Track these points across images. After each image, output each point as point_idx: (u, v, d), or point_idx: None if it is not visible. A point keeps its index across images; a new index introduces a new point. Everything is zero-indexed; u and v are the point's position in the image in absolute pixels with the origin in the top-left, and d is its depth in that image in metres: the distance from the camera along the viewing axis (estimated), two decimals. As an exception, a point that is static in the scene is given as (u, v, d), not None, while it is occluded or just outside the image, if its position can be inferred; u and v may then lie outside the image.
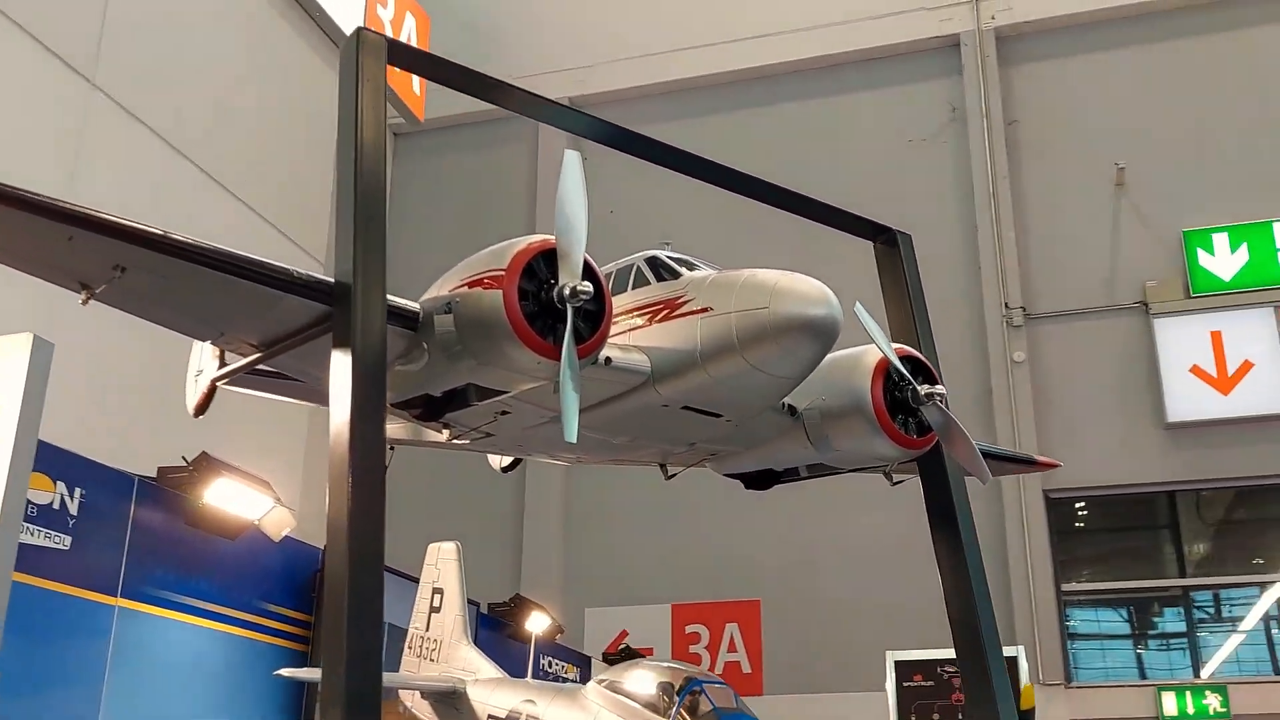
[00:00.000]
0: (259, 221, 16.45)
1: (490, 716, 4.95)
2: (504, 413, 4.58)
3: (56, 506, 6.45)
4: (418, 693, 5.93)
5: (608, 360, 4.32)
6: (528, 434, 4.96)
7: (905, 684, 11.26)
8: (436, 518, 15.80)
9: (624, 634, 16.94)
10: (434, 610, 5.68)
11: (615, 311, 4.61)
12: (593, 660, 12.98)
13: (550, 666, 11.80)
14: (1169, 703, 16.16)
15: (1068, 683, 16.49)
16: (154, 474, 7.56)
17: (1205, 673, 16.70)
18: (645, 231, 18.56)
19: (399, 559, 12.62)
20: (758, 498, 17.25)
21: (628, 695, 4.54)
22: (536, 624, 10.84)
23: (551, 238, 4.07)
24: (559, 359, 3.83)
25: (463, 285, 4.04)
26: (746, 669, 16.78)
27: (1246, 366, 16.65)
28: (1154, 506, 18.03)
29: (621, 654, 13.80)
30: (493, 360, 3.98)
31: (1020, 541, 16.86)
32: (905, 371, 4.66)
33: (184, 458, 7.43)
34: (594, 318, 4.06)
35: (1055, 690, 16.11)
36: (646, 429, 4.94)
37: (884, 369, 4.68)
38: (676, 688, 4.66)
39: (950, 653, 11.78)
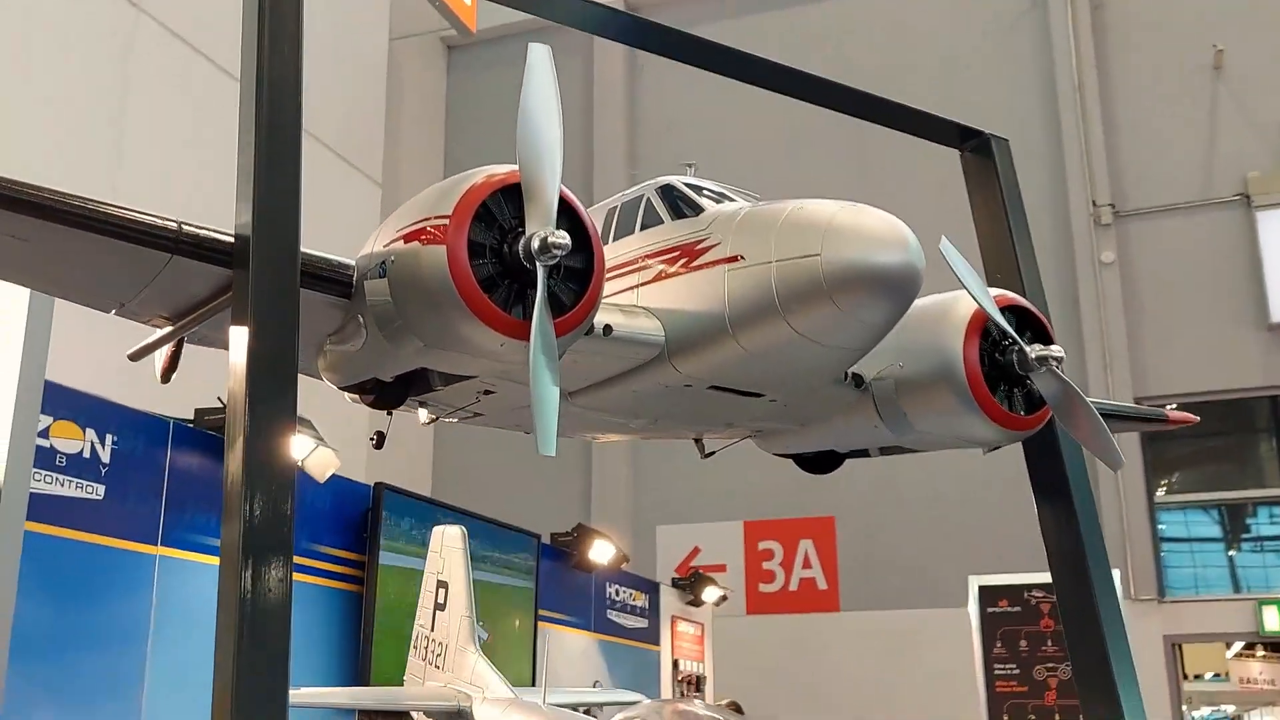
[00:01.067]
0: (311, 143, 16.03)
1: None
2: (487, 392, 3.64)
3: (87, 455, 6.16)
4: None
5: (606, 329, 3.31)
6: (526, 413, 4.04)
7: (990, 609, 10.72)
8: (496, 447, 15.44)
9: (695, 551, 16.62)
10: (439, 607, 5.07)
11: (619, 261, 3.72)
12: (661, 585, 12.62)
13: (617, 595, 11.47)
14: (1270, 617, 15.44)
15: (1161, 597, 15.84)
16: (190, 417, 7.25)
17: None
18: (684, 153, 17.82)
19: (471, 498, 12.31)
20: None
21: None
22: (601, 553, 10.49)
23: (515, 168, 3.01)
24: (526, 336, 2.84)
25: (398, 238, 3.01)
26: (822, 585, 16.35)
27: (1358, 261, 15.54)
28: (1254, 412, 17.11)
29: (691, 577, 13.44)
30: (442, 341, 3.02)
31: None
32: (1009, 329, 3.45)
33: (219, 399, 7.08)
34: (578, 277, 3.06)
35: (1148, 605, 15.48)
36: (668, 411, 3.95)
37: (980, 324, 3.48)
38: None
39: (1036, 576, 11.31)
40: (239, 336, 2.72)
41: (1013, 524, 12.96)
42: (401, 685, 5.55)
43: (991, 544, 14.00)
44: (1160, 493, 16.88)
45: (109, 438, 6.23)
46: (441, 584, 5.13)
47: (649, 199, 3.82)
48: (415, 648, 5.26)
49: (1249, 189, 16.10)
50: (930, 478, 16.39)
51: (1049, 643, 10.35)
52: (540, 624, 9.34)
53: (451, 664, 4.85)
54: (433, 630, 5.10)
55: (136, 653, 6.31)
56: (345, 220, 18.73)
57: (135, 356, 3.89)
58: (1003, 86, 17.44)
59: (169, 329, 3.44)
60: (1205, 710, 26.58)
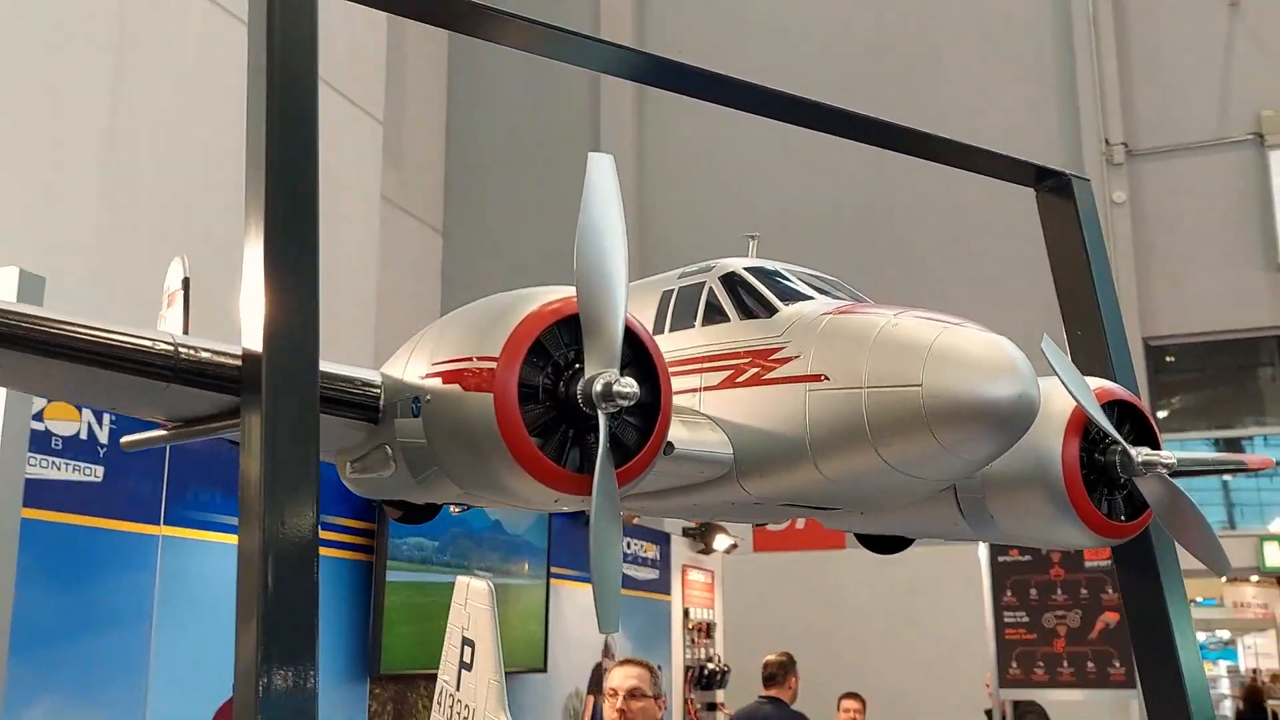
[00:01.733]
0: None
1: None
2: None
3: (84, 436, 6.04)
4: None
5: (668, 446, 2.91)
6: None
7: (1000, 558, 10.78)
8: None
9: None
10: (464, 666, 4.74)
11: (680, 357, 3.33)
12: (671, 536, 12.68)
13: (629, 548, 11.52)
14: (1271, 552, 15.58)
15: (1164, 536, 15.94)
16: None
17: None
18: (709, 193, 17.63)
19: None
20: (849, 237, 16.74)
21: None
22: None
23: (572, 294, 2.61)
24: (587, 491, 2.50)
25: (436, 374, 2.63)
26: (829, 526, 16.50)
27: (1369, 201, 15.40)
28: (1259, 353, 17.10)
29: (702, 526, 13.49)
30: (486, 489, 2.68)
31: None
32: (1114, 431, 3.12)
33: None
34: (643, 412, 2.67)
35: (1151, 544, 15.60)
36: (734, 514, 3.58)
37: (1081, 423, 3.14)
38: None
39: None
40: (250, 461, 2.38)
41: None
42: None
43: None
44: (1166, 435, 16.90)
45: (106, 418, 6.15)
46: (468, 641, 4.70)
47: (711, 288, 3.43)
48: (439, 705, 4.82)
49: (1263, 128, 15.88)
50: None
51: (1059, 591, 10.42)
52: (552, 581, 9.40)
53: None
54: (458, 690, 4.68)
55: (141, 634, 6.25)
56: (348, 159, 18.48)
57: (129, 447, 3.42)
58: (1013, 17, 17.11)
59: (172, 431, 2.98)
60: (1200, 636, 27.00)
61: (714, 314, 3.39)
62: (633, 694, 5.40)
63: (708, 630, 12.72)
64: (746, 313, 3.30)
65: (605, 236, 2.62)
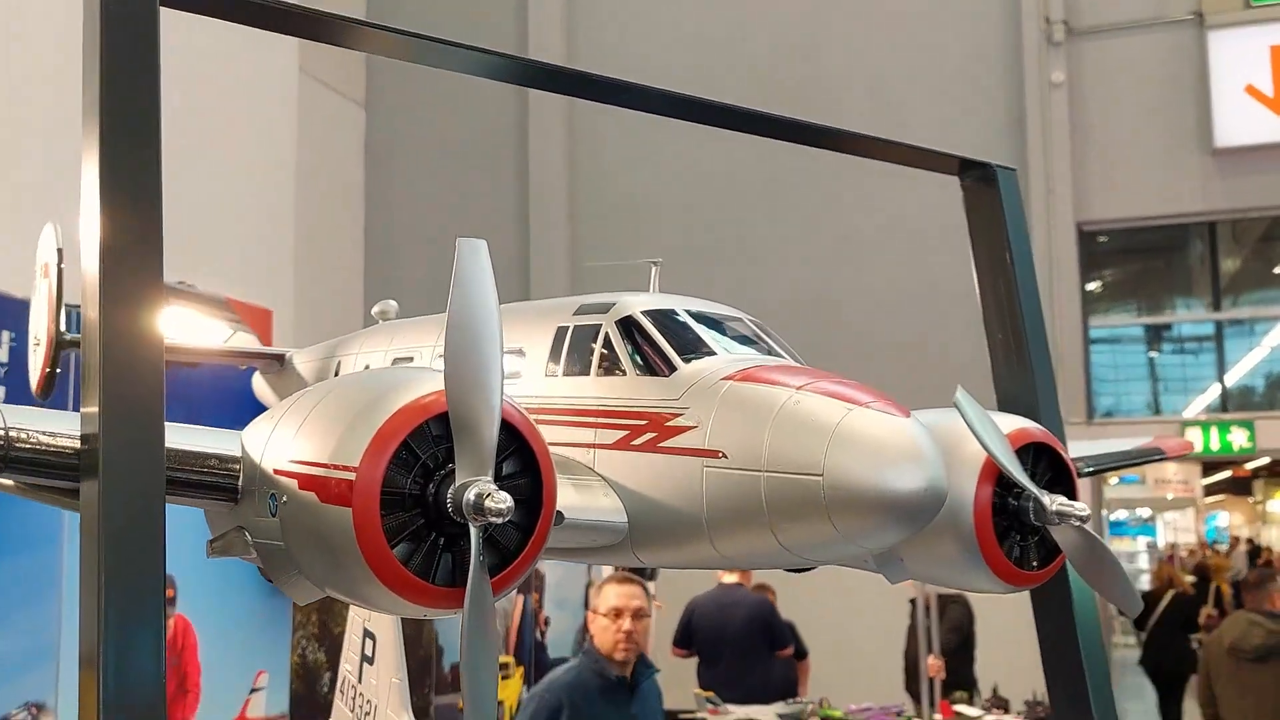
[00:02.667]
0: (295, 71, 14.93)
1: None
2: None
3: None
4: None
5: (558, 517, 2.66)
6: None
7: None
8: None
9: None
10: (366, 660, 4.52)
11: (574, 407, 3.06)
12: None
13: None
14: (1193, 438, 15.90)
15: (1089, 420, 16.20)
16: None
17: (1232, 407, 16.40)
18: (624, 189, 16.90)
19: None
20: (771, 239, 16.62)
21: None
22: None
23: (439, 389, 2.34)
24: (459, 604, 2.29)
25: (293, 472, 2.36)
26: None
27: (1306, 84, 15.31)
28: (1189, 236, 17.19)
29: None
30: (351, 599, 2.47)
31: (1047, 277, 16.06)
32: (1028, 483, 2.96)
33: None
34: (523, 509, 2.41)
35: (1077, 428, 15.82)
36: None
37: (994, 470, 2.98)
38: None
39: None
40: (89, 556, 2.18)
41: (955, 353, 13.03)
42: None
43: (933, 366, 14.02)
44: (1095, 321, 17.05)
45: (5, 334, 5.76)
46: (369, 634, 4.44)
47: (607, 333, 3.15)
48: (342, 692, 4.69)
49: (1203, 7, 15.64)
50: (870, 300, 16.34)
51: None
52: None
53: None
54: (360, 682, 4.45)
55: (51, 556, 6.02)
56: (333, 147, 17.66)
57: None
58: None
59: (16, 485, 2.65)
60: (1121, 513, 27.95)
61: (610, 363, 3.13)
62: (638, 614, 5.37)
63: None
64: (644, 367, 3.05)
65: (477, 330, 2.36)
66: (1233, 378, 16.97)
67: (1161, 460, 4.37)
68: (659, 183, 16.70)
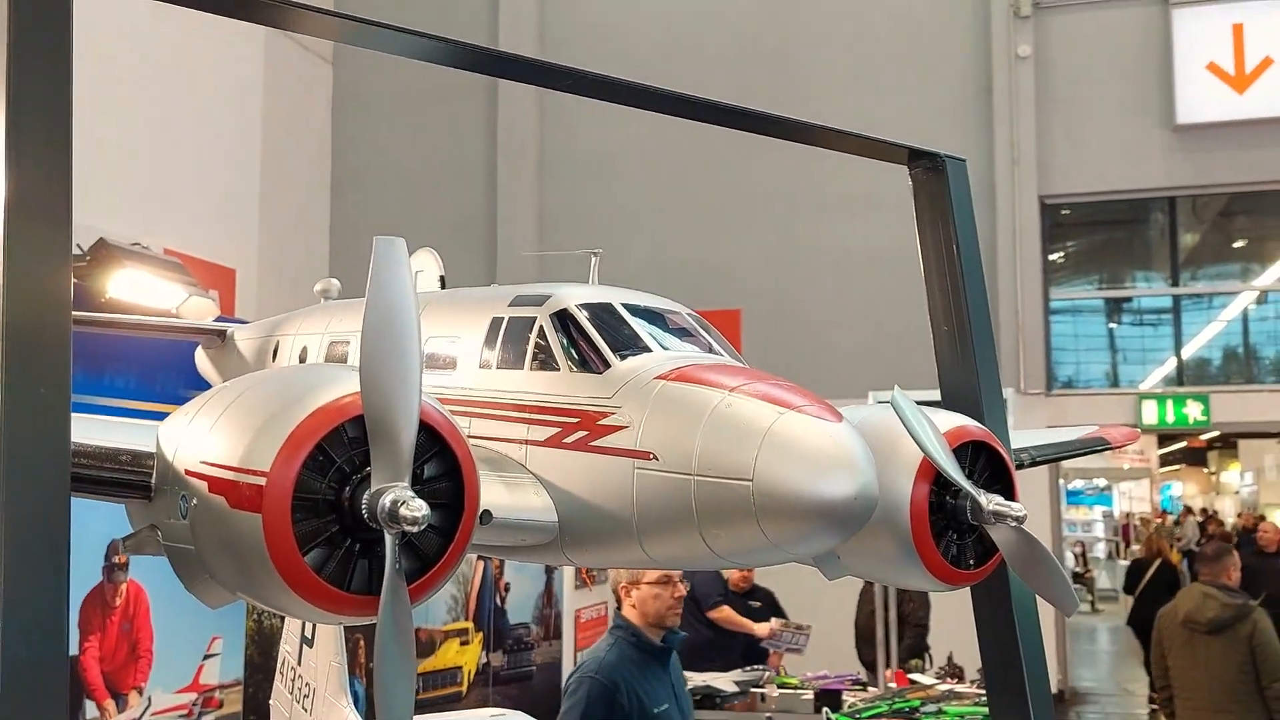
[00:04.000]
0: (261, 29, 14.54)
1: None
2: None
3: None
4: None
5: (485, 515, 2.65)
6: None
7: (888, 425, 10.90)
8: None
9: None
10: (306, 641, 4.46)
11: (506, 401, 3.01)
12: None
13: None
14: (1149, 411, 16.15)
15: (1048, 390, 16.39)
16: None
17: (1188, 380, 16.62)
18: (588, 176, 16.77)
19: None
20: (739, 205, 16.61)
21: None
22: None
23: (356, 390, 2.26)
24: (373, 611, 2.24)
25: (202, 474, 2.29)
26: (725, 379, 16.57)
27: (1266, 63, 15.42)
28: (1150, 210, 17.34)
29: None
30: (265, 606, 2.40)
31: (1011, 247, 16.19)
32: (965, 483, 2.95)
33: (79, 245, 6.51)
34: (443, 512, 2.37)
35: (1035, 399, 16.02)
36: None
37: (931, 469, 2.98)
38: None
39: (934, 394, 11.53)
40: None
41: (915, 327, 13.00)
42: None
43: (895, 337, 14.11)
44: (1056, 292, 17.20)
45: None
46: None
47: (542, 327, 3.09)
48: (282, 674, 4.60)
49: (1169, -18, 15.73)
50: (833, 269, 16.41)
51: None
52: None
53: (320, 714, 4.21)
54: (299, 664, 4.39)
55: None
56: (299, 103, 17.33)
57: None
58: None
59: None
60: (1078, 483, 28.35)
61: (544, 357, 3.07)
62: (680, 579, 5.47)
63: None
64: (578, 362, 2.99)
65: (394, 331, 2.28)
66: (1189, 350, 17.22)
67: (1106, 449, 4.42)
68: (629, 134, 16.61)
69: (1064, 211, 17.31)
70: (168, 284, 6.91)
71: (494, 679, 9.42)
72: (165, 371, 6.98)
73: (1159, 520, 25.68)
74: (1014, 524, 2.94)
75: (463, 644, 9.45)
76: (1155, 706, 13.83)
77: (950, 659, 10.08)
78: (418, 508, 2.21)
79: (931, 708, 7.67)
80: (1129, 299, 18.55)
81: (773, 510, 2.48)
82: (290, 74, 17.13)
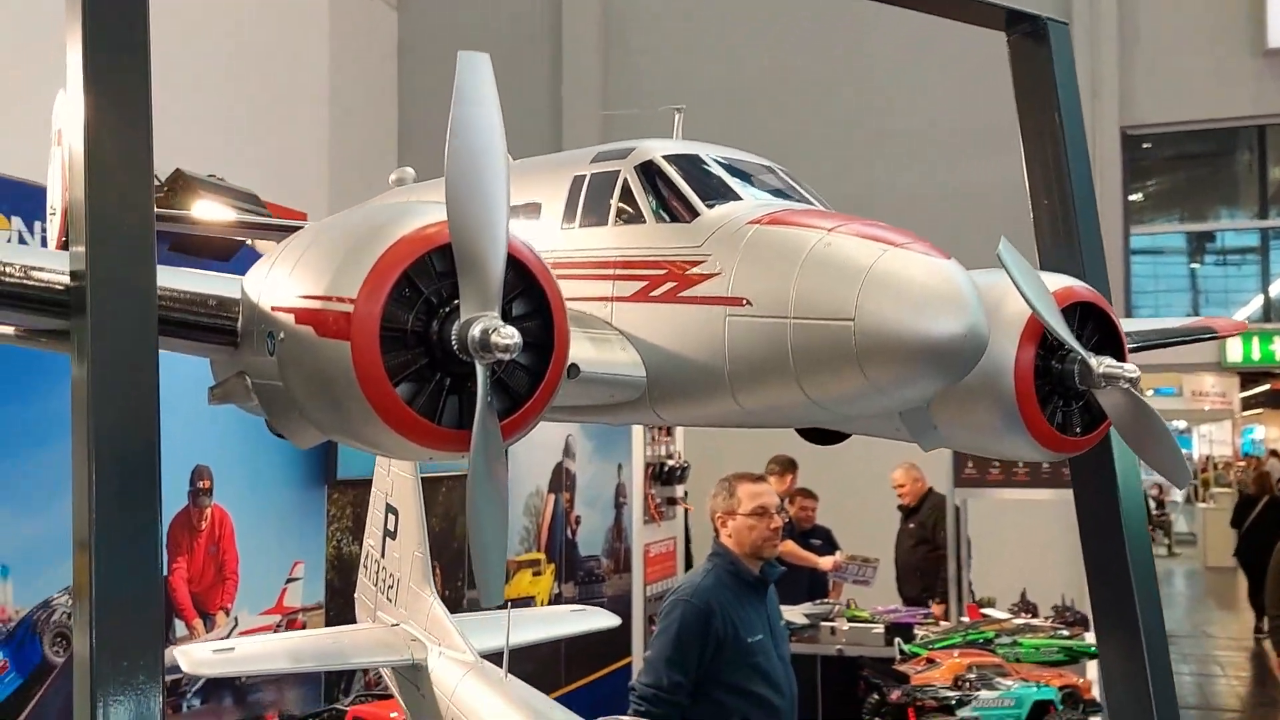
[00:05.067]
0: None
1: None
2: None
3: (15, 244, 5.73)
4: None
5: (573, 369, 2.57)
6: None
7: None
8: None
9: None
10: (389, 534, 4.49)
11: (589, 259, 2.91)
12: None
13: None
14: (1233, 349, 15.70)
15: (1127, 330, 15.98)
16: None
17: (1276, 319, 16.12)
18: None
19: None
20: (812, 83, 16.21)
21: None
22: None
23: (443, 219, 2.20)
24: (466, 447, 2.18)
25: (290, 307, 2.25)
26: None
27: (1366, -19, 14.74)
28: (1236, 140, 16.75)
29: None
30: (353, 441, 2.37)
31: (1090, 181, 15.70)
32: (1074, 342, 2.76)
33: (156, 178, 6.60)
34: (533, 351, 2.31)
35: (1114, 337, 15.62)
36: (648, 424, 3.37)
37: (1038, 330, 2.81)
38: None
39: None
40: (79, 402, 2.05)
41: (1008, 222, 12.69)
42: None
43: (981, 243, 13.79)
44: (1137, 229, 16.74)
45: (38, 226, 5.78)
46: (391, 509, 4.45)
47: (626, 179, 2.95)
48: (365, 567, 4.65)
49: (1260, -99, 15.03)
50: (919, 156, 16.09)
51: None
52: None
53: (405, 601, 4.30)
54: (383, 557, 4.49)
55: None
56: (365, 49, 17.36)
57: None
58: None
59: (17, 333, 2.63)
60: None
61: (629, 211, 2.96)
62: (777, 510, 5.54)
63: (668, 429, 12.76)
64: (665, 213, 2.88)
65: (480, 152, 2.20)
66: (1277, 289, 16.68)
67: (1213, 338, 4.18)
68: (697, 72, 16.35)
69: (1145, 145, 16.77)
70: (244, 216, 6.98)
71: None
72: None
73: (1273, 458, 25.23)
74: (1126, 385, 2.77)
75: (535, 575, 9.55)
76: (1261, 635, 15.03)
77: (1023, 595, 9.96)
78: (509, 334, 2.15)
79: (1006, 640, 7.58)
80: (1212, 237, 18.01)
81: (875, 351, 2.35)
82: (355, 20, 17.16)
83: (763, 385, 2.55)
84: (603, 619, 5.15)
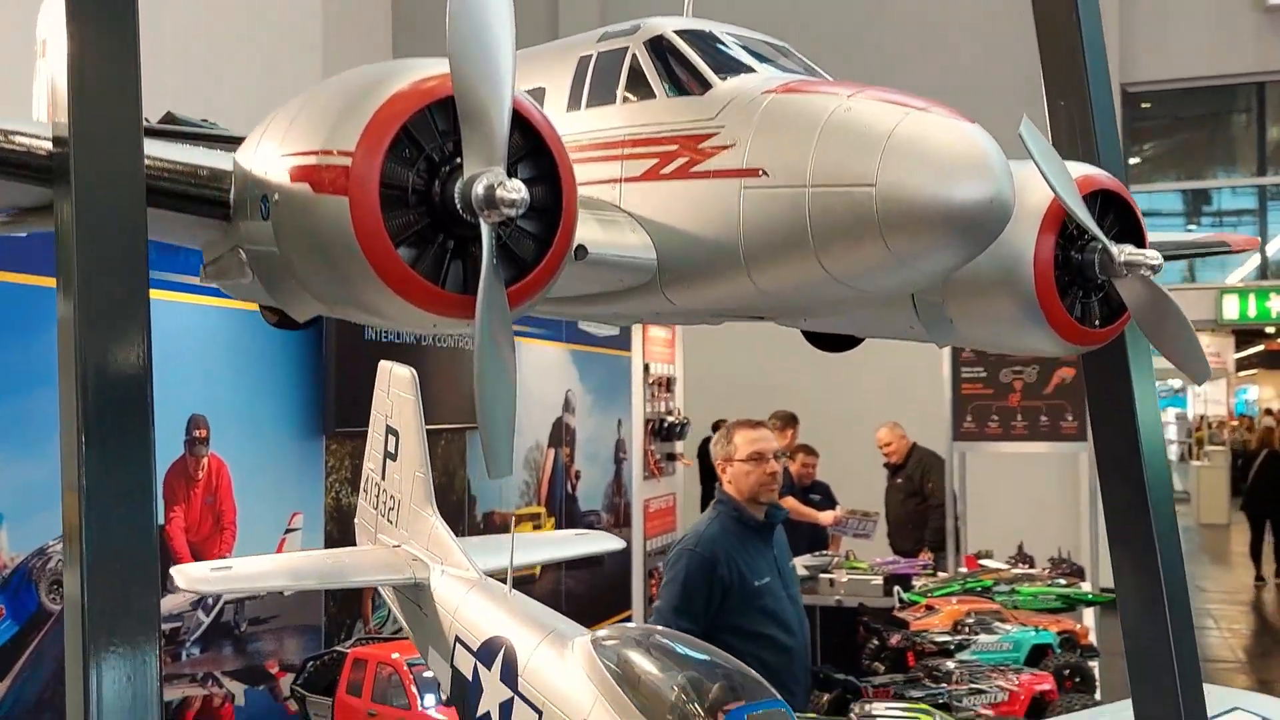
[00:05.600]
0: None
1: (458, 639, 3.78)
2: None
3: (6, 193, 5.66)
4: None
5: (580, 251, 2.45)
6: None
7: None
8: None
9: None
10: (389, 456, 4.45)
11: (596, 140, 2.79)
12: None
13: (588, 305, 11.36)
14: (1230, 306, 15.72)
15: (1124, 284, 15.99)
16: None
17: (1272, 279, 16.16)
18: None
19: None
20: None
21: (636, 689, 2.90)
22: (572, 265, 10.25)
23: (446, 71, 2.10)
24: (471, 313, 2.07)
25: (285, 165, 2.13)
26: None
27: (1369, -65, 14.63)
28: (1235, 100, 16.69)
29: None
30: (350, 308, 2.24)
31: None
32: (1096, 228, 2.65)
33: (146, 119, 6.50)
34: (540, 217, 2.19)
35: (1111, 294, 15.64)
36: (660, 321, 3.25)
37: (1059, 218, 2.69)
38: (709, 707, 2.76)
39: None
40: (65, 283, 1.92)
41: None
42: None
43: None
44: (1135, 188, 16.69)
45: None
46: (391, 430, 4.41)
47: (635, 55, 2.81)
48: (365, 492, 4.62)
49: None
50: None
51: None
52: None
53: (406, 522, 4.26)
54: (383, 479, 4.44)
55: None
56: None
57: None
58: None
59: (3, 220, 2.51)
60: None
61: (637, 88, 2.83)
62: (776, 456, 5.49)
63: (668, 384, 12.78)
64: (676, 88, 2.75)
65: (485, 3, 2.09)
66: (1274, 248, 16.68)
67: (1226, 252, 4.13)
68: None
69: (1145, 105, 16.70)
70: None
71: (566, 563, 9.54)
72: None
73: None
74: (1148, 273, 2.70)
75: (535, 528, 9.59)
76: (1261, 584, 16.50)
77: (1020, 548, 10.02)
78: (515, 188, 2.05)
79: (1004, 588, 7.63)
80: (1209, 199, 17.98)
81: (897, 218, 2.25)
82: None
83: (780, 261, 2.45)
84: (607, 541, 5.20)
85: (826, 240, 2.34)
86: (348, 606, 7.72)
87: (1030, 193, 2.67)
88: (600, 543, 5.21)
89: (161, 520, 6.27)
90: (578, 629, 3.37)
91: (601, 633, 3.21)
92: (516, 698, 3.24)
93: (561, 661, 3.15)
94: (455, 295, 2.13)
